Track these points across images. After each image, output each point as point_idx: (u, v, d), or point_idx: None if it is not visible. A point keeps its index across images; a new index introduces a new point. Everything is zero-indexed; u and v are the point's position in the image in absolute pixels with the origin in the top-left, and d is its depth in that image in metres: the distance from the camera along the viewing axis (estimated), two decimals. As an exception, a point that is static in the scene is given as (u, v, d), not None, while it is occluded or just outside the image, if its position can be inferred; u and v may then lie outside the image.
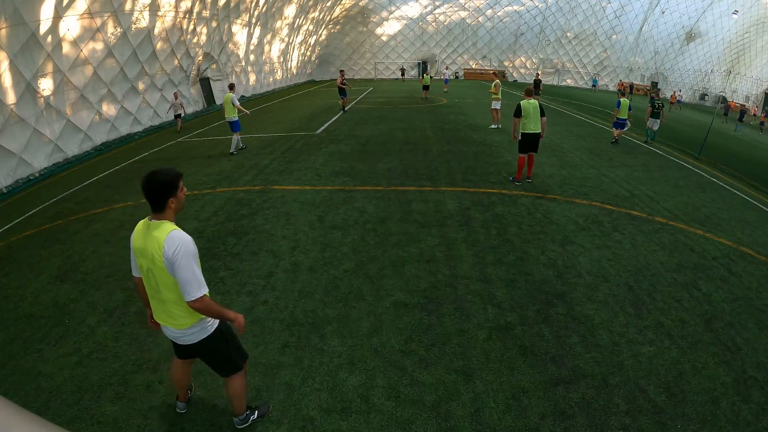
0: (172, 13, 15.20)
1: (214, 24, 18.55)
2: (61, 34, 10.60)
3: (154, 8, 13.95)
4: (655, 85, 36.75)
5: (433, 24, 39.32)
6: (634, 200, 7.10)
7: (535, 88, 20.16)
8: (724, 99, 32.40)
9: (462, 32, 39.71)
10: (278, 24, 26.21)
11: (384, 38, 39.87)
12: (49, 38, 10.20)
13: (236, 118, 10.18)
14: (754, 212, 7.14)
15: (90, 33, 11.59)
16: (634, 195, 7.37)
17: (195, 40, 17.43)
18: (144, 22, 13.74)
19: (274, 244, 5.43)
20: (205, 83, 19.47)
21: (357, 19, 38.02)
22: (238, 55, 22.43)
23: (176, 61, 16.48)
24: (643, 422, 2.84)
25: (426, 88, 20.96)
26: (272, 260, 5.03)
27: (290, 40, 29.47)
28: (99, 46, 12.06)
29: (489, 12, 38.28)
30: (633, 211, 6.59)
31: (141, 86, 14.52)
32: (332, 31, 38.52)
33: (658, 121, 11.98)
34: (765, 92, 32.51)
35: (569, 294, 4.32)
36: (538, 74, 22.64)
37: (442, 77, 29.08)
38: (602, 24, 37.15)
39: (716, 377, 3.26)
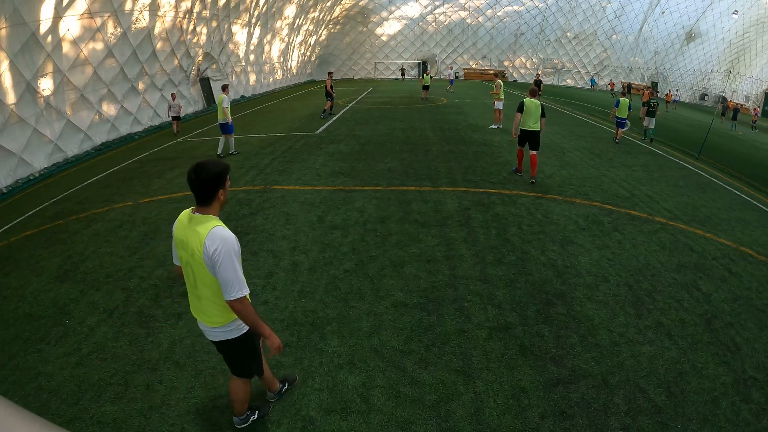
0: (172, 13, 15.21)
1: (214, 24, 18.55)
2: (61, 34, 10.61)
3: (154, 8, 13.95)
4: (655, 85, 36.76)
5: (433, 24, 39.33)
6: (634, 200, 7.10)
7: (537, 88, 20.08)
8: (724, 99, 32.41)
9: (462, 32, 39.72)
10: (278, 24, 26.21)
11: (384, 38, 39.88)
12: (49, 38, 10.20)
13: (226, 121, 9.74)
14: (754, 212, 7.14)
15: (90, 33, 11.60)
16: (634, 195, 7.37)
17: (195, 40, 17.43)
18: (144, 22, 13.74)
19: (274, 244, 5.43)
20: (205, 83, 19.48)
21: (357, 19, 38.02)
22: (238, 55, 22.43)
23: (176, 61, 16.49)
24: (643, 422, 2.84)
25: (426, 88, 20.97)
26: (272, 260, 5.03)
27: (290, 40, 29.48)
28: (99, 46, 12.07)
29: (489, 12, 38.29)
30: (633, 211, 6.59)
31: (141, 86, 14.52)
32: (332, 31, 38.53)
33: (654, 119, 12.52)
34: (765, 92, 32.52)
35: (569, 294, 4.32)
36: (538, 74, 22.65)
37: (447, 77, 29.09)
38: (602, 24, 37.16)
39: (716, 377, 3.26)
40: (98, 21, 11.67)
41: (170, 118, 14.09)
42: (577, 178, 8.18)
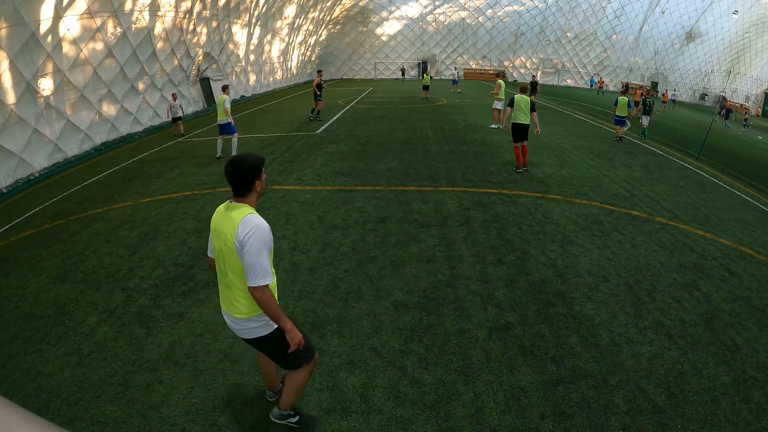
0: (172, 13, 15.20)
1: (214, 24, 18.55)
2: (61, 34, 10.61)
3: (154, 8, 13.94)
4: (655, 85, 36.76)
5: (433, 24, 39.33)
6: (634, 200, 7.10)
7: (532, 90, 20.09)
8: (724, 99, 32.43)
9: (462, 32, 39.71)
10: (278, 24, 26.21)
11: (384, 38, 39.88)
12: (49, 38, 10.20)
13: (228, 121, 9.61)
14: (754, 212, 7.14)
15: (90, 33, 11.59)
16: (634, 195, 7.37)
17: (195, 40, 17.43)
18: (144, 22, 13.73)
19: (275, 244, 5.41)
20: (205, 83, 19.47)
21: (357, 19, 38.02)
22: (238, 55, 22.43)
23: (176, 61, 16.48)
24: (643, 422, 2.84)
25: (426, 88, 20.97)
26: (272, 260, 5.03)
27: (290, 40, 29.48)
28: (99, 46, 12.07)
29: (489, 12, 38.29)
30: (633, 211, 6.59)
31: (141, 86, 14.51)
32: (332, 31, 38.52)
33: (649, 117, 13.06)
34: (765, 92, 32.52)
35: (569, 294, 4.32)
36: (534, 76, 22.66)
37: (451, 77, 29.06)
38: (602, 24, 37.16)
39: (716, 377, 3.26)
40: (98, 21, 11.67)
41: (170, 119, 13.45)
42: (577, 178, 8.18)
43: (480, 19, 38.85)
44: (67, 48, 10.92)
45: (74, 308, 4.26)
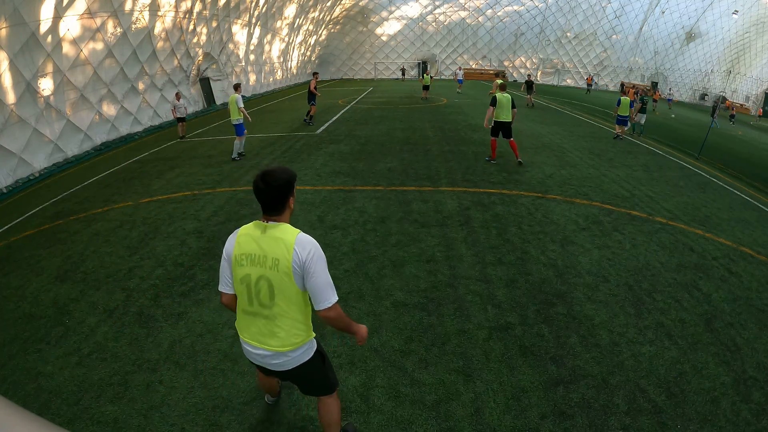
0: (172, 13, 15.20)
1: (214, 24, 18.55)
2: (61, 34, 10.61)
3: (154, 8, 13.95)
4: (655, 85, 36.76)
5: (433, 24, 39.30)
6: (634, 200, 7.10)
7: (528, 89, 20.11)
8: (723, 99, 32.42)
9: (462, 32, 39.69)
10: (278, 24, 26.21)
11: (384, 38, 39.85)
12: (49, 38, 10.20)
13: (241, 121, 9.68)
14: (754, 212, 7.14)
15: (90, 33, 11.60)
16: (634, 195, 7.37)
17: (195, 40, 17.43)
18: (144, 21, 13.73)
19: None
20: (205, 83, 19.47)
21: (357, 19, 38.01)
22: (238, 55, 22.43)
23: (176, 61, 16.48)
24: (643, 422, 2.84)
25: (426, 88, 20.97)
26: (272, 260, 5.02)
27: (290, 40, 29.47)
28: (99, 46, 12.07)
29: (489, 12, 38.27)
30: (633, 211, 6.59)
31: (141, 86, 14.52)
32: (332, 31, 38.52)
33: (645, 115, 13.77)
34: (765, 92, 32.51)
35: (569, 294, 4.32)
36: (529, 76, 22.73)
37: (454, 78, 29.06)
38: (602, 24, 37.14)
39: (716, 377, 3.26)
40: (98, 21, 11.67)
41: (176, 119, 13.07)
42: (577, 178, 8.18)
43: (480, 19, 38.83)
44: (67, 48, 10.92)
45: (74, 308, 4.27)
